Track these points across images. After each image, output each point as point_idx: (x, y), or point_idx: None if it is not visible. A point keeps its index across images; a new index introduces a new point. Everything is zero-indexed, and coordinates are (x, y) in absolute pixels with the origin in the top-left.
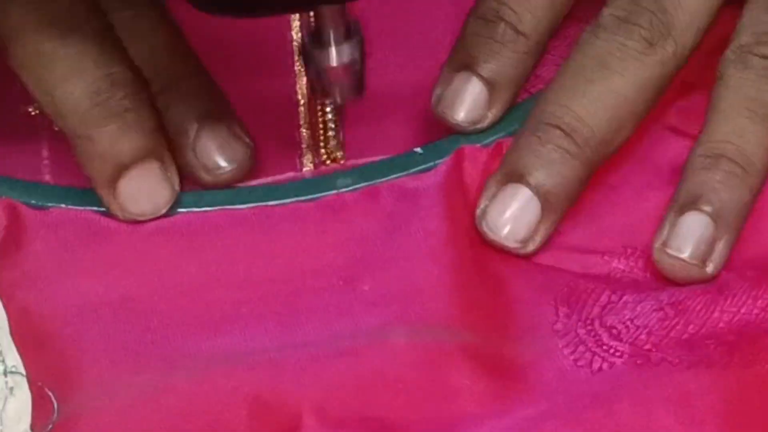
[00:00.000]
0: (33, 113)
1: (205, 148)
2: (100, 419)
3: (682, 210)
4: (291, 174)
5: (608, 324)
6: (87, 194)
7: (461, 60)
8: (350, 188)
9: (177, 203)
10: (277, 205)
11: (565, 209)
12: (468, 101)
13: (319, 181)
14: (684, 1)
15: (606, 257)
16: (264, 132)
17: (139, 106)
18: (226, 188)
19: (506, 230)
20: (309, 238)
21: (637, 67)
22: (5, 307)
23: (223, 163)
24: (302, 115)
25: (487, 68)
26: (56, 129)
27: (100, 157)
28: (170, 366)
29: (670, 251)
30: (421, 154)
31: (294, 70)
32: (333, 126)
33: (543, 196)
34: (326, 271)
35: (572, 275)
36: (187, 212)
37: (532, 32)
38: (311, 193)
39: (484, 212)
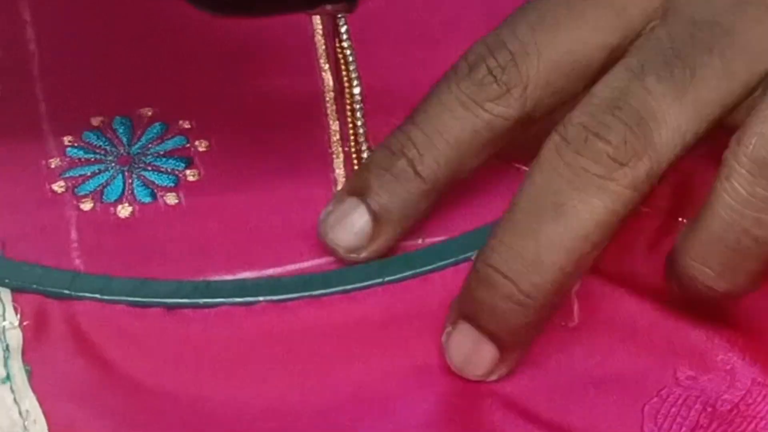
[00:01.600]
0: (60, 192)
1: None
2: None
3: None
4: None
5: None
6: (126, 283)
7: (357, 185)
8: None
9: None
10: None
11: (526, 345)
12: (350, 228)
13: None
14: (668, 113)
15: None
16: (291, 127)
17: None
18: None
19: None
20: None
21: (601, 198)
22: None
23: None
24: (329, 106)
25: (378, 201)
26: (85, 210)
27: None
28: None
29: None
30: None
31: (319, 66)
32: (360, 116)
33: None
34: None
35: None
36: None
37: (430, 176)
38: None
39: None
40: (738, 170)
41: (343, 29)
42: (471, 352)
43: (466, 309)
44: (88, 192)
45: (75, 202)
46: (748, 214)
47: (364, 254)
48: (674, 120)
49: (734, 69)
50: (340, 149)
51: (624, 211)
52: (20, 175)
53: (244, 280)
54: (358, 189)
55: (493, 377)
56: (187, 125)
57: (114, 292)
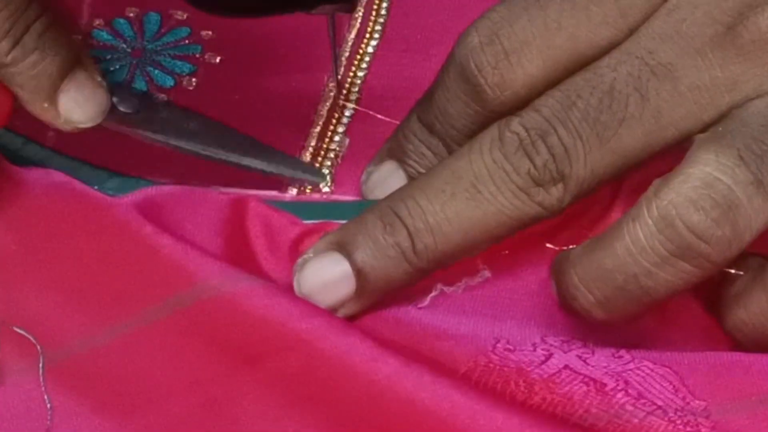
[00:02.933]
0: None
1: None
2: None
3: None
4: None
5: None
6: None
7: (394, 150)
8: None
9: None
10: None
11: (376, 299)
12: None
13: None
14: (590, 155)
15: None
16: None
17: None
18: None
19: (314, 293)
20: None
21: (511, 202)
22: None
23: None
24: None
25: (414, 168)
26: None
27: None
28: None
29: None
30: None
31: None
32: (342, 130)
33: (362, 280)
34: None
35: None
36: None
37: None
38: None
39: (303, 265)
40: (645, 219)
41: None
42: (329, 281)
43: (348, 239)
44: None
45: None
46: (643, 263)
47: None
48: (591, 161)
49: (667, 120)
50: (331, 95)
51: (527, 221)
52: None
53: None
54: (397, 154)
55: (341, 312)
56: (207, 35)
57: (52, 165)
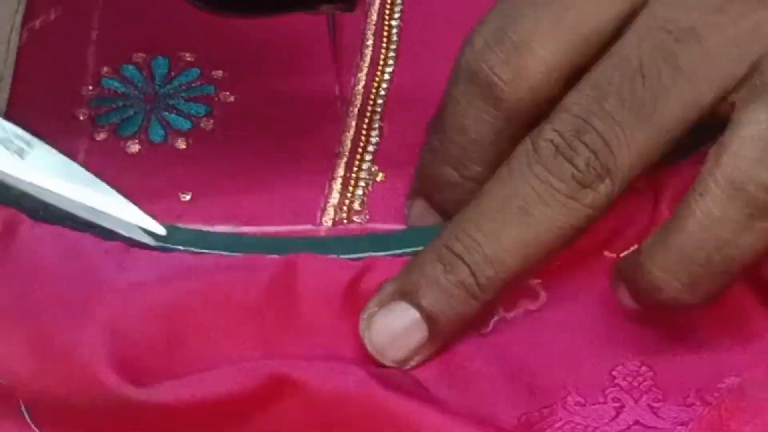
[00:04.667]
0: (81, 118)
1: None
2: None
3: None
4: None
5: None
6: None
7: (418, 188)
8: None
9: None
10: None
11: (448, 342)
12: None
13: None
14: (633, 138)
15: None
16: (304, 130)
17: None
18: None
19: (387, 346)
20: None
21: (563, 213)
22: None
23: None
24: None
25: (440, 203)
26: (98, 140)
27: None
28: None
29: None
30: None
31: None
32: (376, 135)
33: (432, 324)
34: None
35: None
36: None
37: (477, 175)
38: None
39: (369, 320)
40: (713, 190)
41: (397, 8)
42: (400, 332)
43: (411, 286)
44: (105, 123)
45: (91, 131)
46: (721, 234)
47: (411, 364)
48: (635, 144)
49: (702, 83)
50: (353, 124)
51: (582, 226)
52: (52, 96)
53: (207, 233)
54: (422, 192)
55: (410, 364)
56: (219, 75)
57: (83, 221)
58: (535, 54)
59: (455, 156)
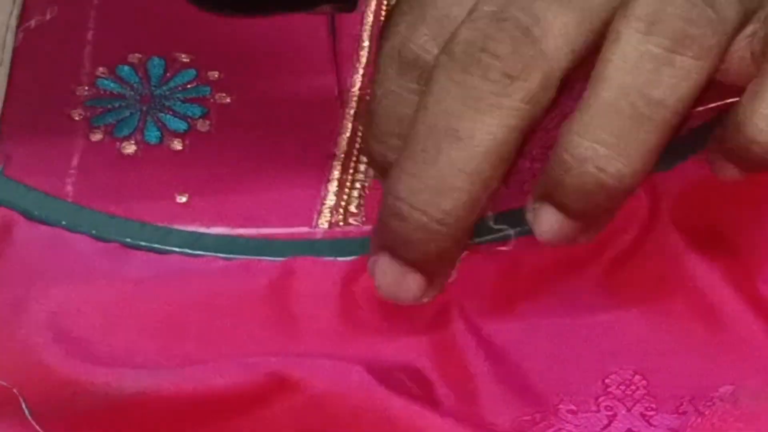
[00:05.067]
0: (76, 119)
1: None
2: None
3: None
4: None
5: None
6: (91, 216)
7: (384, 242)
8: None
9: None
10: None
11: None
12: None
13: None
14: (555, 22)
15: None
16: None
17: None
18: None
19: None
20: None
21: (498, 116)
22: None
23: None
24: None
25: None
26: (93, 141)
27: None
28: None
29: None
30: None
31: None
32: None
33: (420, 268)
34: None
35: None
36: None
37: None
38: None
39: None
40: (626, 32)
41: None
42: (397, 281)
43: (384, 242)
44: (101, 124)
45: (86, 132)
46: (642, 74)
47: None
48: (561, 26)
49: None
50: (349, 126)
51: (523, 126)
52: (47, 96)
53: (203, 234)
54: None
55: (426, 299)
56: (214, 76)
57: (79, 222)
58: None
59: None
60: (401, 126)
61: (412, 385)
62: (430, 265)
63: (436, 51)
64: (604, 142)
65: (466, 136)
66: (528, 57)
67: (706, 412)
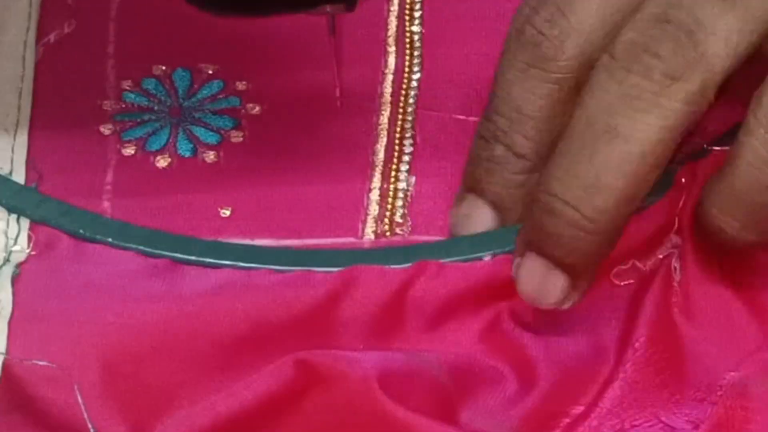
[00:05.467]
0: (106, 133)
1: None
2: None
3: None
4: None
5: None
6: (139, 232)
7: (469, 181)
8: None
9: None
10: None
11: (595, 272)
12: (477, 226)
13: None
14: (718, 23)
15: None
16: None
17: None
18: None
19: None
20: None
21: (656, 115)
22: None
23: None
24: (386, 89)
25: (492, 191)
26: (126, 155)
27: None
28: None
29: None
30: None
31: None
32: (413, 103)
33: (567, 269)
34: None
35: None
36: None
37: (530, 153)
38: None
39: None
40: (756, 129)
41: (417, 14)
42: (541, 281)
43: (532, 239)
44: (132, 138)
45: (118, 146)
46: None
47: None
48: (724, 30)
49: None
50: (384, 133)
51: (680, 127)
52: (74, 112)
53: (255, 247)
54: (471, 185)
55: (568, 305)
56: (243, 86)
57: (127, 238)
58: (577, 13)
59: (504, 130)
60: (509, 104)
61: (429, 397)
62: (577, 265)
63: (549, 32)
64: (738, 221)
65: (624, 134)
66: (690, 59)
67: (717, 402)
